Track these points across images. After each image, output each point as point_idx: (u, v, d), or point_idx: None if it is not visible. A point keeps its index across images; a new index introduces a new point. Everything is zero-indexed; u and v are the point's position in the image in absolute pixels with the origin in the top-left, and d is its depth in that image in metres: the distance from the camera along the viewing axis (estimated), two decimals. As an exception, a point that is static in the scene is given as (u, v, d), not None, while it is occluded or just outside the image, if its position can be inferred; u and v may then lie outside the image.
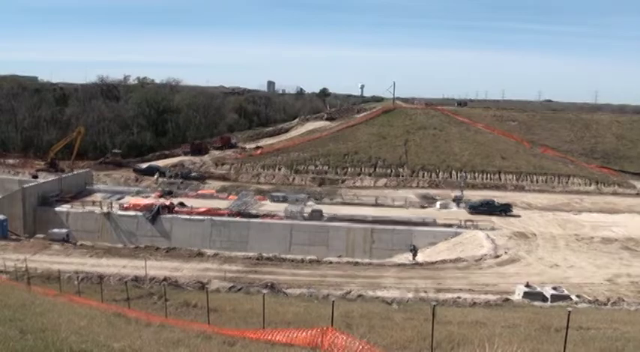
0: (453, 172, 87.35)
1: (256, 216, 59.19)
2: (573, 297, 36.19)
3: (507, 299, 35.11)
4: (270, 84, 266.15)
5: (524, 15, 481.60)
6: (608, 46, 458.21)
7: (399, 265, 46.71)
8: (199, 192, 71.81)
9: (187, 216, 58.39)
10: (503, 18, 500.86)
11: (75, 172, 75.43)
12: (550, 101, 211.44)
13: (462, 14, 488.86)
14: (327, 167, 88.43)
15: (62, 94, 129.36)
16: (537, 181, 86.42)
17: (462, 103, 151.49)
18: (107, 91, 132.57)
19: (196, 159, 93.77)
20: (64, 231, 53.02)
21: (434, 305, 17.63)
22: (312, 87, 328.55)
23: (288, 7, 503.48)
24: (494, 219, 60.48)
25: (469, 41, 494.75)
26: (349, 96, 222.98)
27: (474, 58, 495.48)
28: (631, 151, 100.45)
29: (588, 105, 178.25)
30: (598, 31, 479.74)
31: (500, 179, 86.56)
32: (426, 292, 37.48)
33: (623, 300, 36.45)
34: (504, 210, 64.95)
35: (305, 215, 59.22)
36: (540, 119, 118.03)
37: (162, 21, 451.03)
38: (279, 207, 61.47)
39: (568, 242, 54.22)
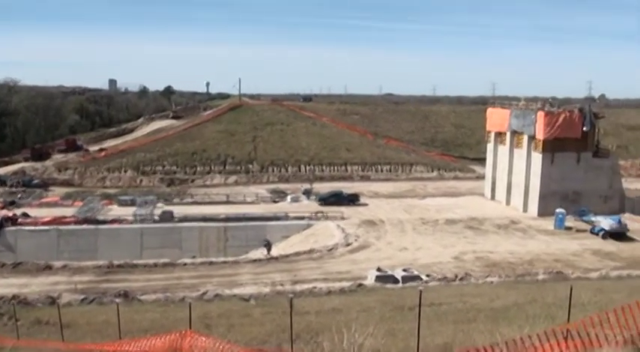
0: (302, 166, 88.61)
1: (104, 222, 56.98)
2: (423, 277, 37.85)
3: (361, 285, 36.05)
4: (112, 82, 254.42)
5: (363, 12, 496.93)
6: (443, 42, 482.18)
7: (255, 261, 46.78)
8: (43, 200, 67.98)
9: (32, 227, 55.01)
10: (342, 15, 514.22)
11: None
12: (391, 94, 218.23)
13: (303, 11, 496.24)
14: (175, 167, 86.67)
15: None
16: (382, 171, 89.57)
17: (307, 99, 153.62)
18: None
19: (38, 164, 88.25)
20: None
21: (291, 297, 17.86)
22: (156, 85, 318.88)
23: (128, 1, 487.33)
24: (343, 209, 61.98)
25: (311, 38, 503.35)
26: (195, 93, 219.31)
27: (317, 54, 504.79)
28: (470, 139, 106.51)
29: (427, 97, 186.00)
30: (433, 27, 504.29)
31: (347, 170, 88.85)
32: (282, 285, 37.77)
33: (470, 275, 38.78)
34: (352, 199, 66.80)
35: (155, 217, 57.80)
36: (382, 112, 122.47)
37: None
38: (128, 211, 59.50)
39: (415, 226, 56.72)
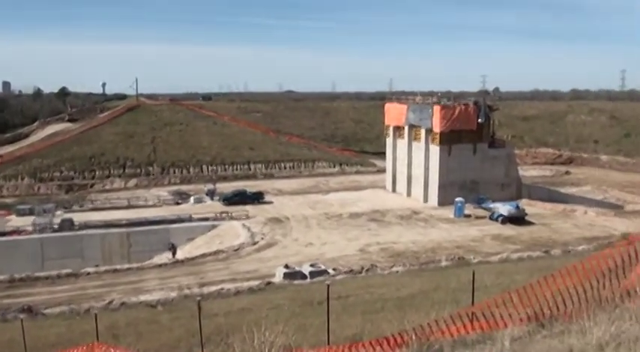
0: (204, 166, 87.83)
1: (3, 233, 54.33)
2: (330, 271, 38.23)
3: (269, 283, 36.07)
4: (6, 84, 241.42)
5: (260, 10, 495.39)
6: (341, 40, 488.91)
7: (160, 265, 45.87)
8: (-63, 214, 64.19)
9: None
10: (239, 13, 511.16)
11: None
12: (291, 92, 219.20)
13: (199, 9, 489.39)
14: (73, 172, 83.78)
15: None
16: (285, 168, 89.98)
17: (207, 97, 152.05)
18: None
19: None
20: None
21: (199, 300, 17.66)
22: (50, 86, 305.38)
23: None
24: (248, 207, 61.87)
25: (209, 35, 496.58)
26: (90, 94, 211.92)
27: (215, 53, 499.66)
28: (369, 134, 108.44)
29: (327, 94, 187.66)
30: (331, 25, 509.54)
31: (250, 169, 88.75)
32: (189, 288, 37.23)
33: (376, 266, 39.46)
34: (257, 198, 66.70)
35: (55, 226, 55.74)
36: (283, 109, 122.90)
37: None
38: (27, 221, 56.95)
39: (319, 221, 57.27)
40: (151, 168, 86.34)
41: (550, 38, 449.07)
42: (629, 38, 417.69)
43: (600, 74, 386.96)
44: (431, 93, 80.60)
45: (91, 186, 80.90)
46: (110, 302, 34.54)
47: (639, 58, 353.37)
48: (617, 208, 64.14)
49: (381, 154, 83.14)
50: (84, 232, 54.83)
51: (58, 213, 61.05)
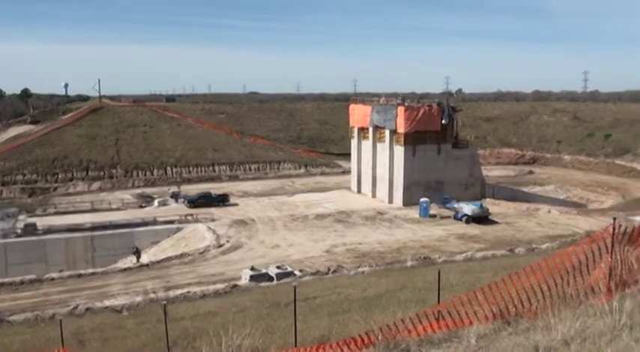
0: (168, 168, 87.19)
1: (-33, 240, 53.33)
2: (297, 272, 38.15)
3: (235, 286, 35.82)
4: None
5: (223, 11, 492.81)
6: (305, 41, 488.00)
7: (125, 269, 45.31)
8: None
9: None
10: (203, 14, 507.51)
11: None
12: (256, 93, 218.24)
13: (163, 9, 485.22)
14: (36, 175, 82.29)
15: None
16: (250, 169, 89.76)
17: (171, 99, 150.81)
18: None
19: None
20: None
21: (164, 304, 17.51)
22: (12, 87, 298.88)
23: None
24: (213, 210, 61.55)
25: (172, 36, 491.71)
26: (53, 96, 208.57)
27: (179, 54, 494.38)
28: (334, 135, 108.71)
29: (292, 95, 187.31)
30: (294, 26, 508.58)
31: (214, 171, 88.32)
32: (155, 292, 36.86)
33: (342, 267, 39.49)
34: (222, 200, 66.34)
35: (18, 231, 54.72)
36: (248, 110, 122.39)
37: None
38: (-10, 226, 56.00)
39: (285, 222, 57.19)
40: (114, 171, 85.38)
41: (513, 40, 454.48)
42: (591, 40, 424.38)
43: (563, 76, 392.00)
44: (395, 95, 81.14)
45: (55, 189, 79.67)
46: (75, 308, 34.01)
47: (601, 60, 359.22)
48: (580, 207, 65.42)
49: (346, 155, 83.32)
50: (47, 237, 53.95)
51: (21, 217, 60.02)
